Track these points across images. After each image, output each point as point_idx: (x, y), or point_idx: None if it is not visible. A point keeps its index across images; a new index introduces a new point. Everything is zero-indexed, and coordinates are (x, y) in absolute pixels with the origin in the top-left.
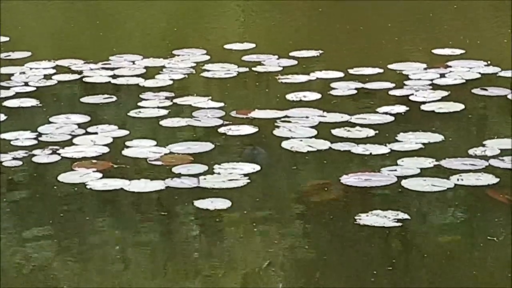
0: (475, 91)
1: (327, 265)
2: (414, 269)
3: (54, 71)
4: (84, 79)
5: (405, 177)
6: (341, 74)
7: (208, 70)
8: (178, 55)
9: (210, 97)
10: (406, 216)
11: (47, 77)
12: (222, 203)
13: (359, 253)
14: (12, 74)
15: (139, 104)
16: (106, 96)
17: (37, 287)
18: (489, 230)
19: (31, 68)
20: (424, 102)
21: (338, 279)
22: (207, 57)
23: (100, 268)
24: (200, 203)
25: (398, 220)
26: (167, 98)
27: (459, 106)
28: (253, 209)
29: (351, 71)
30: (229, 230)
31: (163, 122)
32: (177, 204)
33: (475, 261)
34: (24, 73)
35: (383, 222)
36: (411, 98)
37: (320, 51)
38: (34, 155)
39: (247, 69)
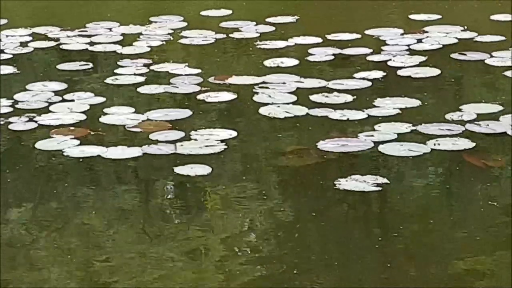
0: (453, 56)
1: (309, 230)
2: (396, 231)
3: (30, 38)
4: (61, 46)
5: (382, 142)
6: (319, 40)
7: (185, 37)
8: (155, 22)
9: (187, 64)
10: (385, 181)
11: (23, 44)
12: (202, 169)
13: (341, 217)
14: None
15: (116, 71)
16: (83, 63)
17: (15, 253)
18: (467, 193)
19: (7, 36)
20: (401, 67)
21: (324, 245)
22: (184, 24)
23: (79, 233)
24: (180, 169)
25: (378, 185)
26: (144, 65)
27: (436, 71)
28: (231, 176)
29: (329, 36)
30: (207, 196)
31: (141, 89)
32: (155, 170)
33: (455, 223)
34: (0, 40)
35: (362, 186)
36: (388, 63)
37: (296, 17)
38: (10, 122)
39: (224, 36)
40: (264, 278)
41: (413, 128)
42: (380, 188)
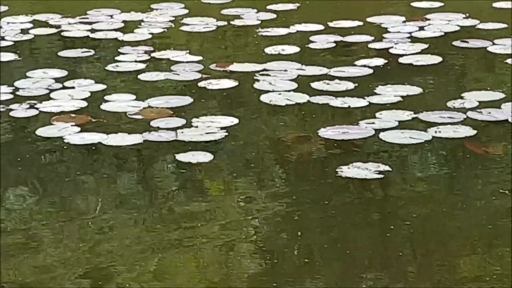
0: (455, 43)
1: (311, 218)
2: (399, 218)
3: (31, 25)
4: (62, 33)
5: (383, 129)
6: (321, 27)
7: (187, 24)
8: (157, 9)
9: (188, 51)
10: (387, 168)
11: (24, 31)
12: (204, 156)
13: (344, 204)
14: None
15: (117, 58)
16: (84, 50)
17: (19, 239)
18: (468, 180)
19: (8, 23)
20: (403, 55)
21: (327, 232)
22: (186, 11)
23: (80, 220)
24: (181, 157)
25: (380, 172)
26: (145, 52)
27: (438, 59)
28: (232, 163)
29: (330, 24)
30: (209, 183)
31: (142, 76)
32: (156, 157)
33: (457, 210)
34: (0, 27)
35: (365, 174)
36: (390, 51)
37: (297, 4)
38: (11, 109)
39: (225, 23)
40: (265, 266)
41: (415, 115)
42: (382, 176)
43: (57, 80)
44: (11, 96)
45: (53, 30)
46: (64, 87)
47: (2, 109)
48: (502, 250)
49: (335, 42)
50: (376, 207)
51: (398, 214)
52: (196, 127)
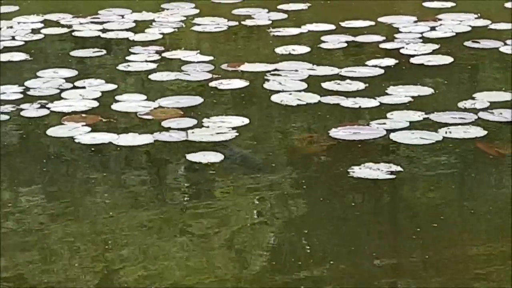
0: (466, 43)
1: (323, 218)
2: (411, 219)
3: (42, 25)
4: (73, 33)
5: (394, 130)
6: (332, 27)
7: (198, 24)
8: (168, 9)
9: (199, 51)
10: (399, 169)
11: (35, 31)
12: (214, 157)
13: (356, 204)
14: None
15: (128, 58)
16: (95, 50)
17: (30, 239)
18: (480, 181)
19: (18, 23)
20: (414, 55)
21: (338, 232)
22: (197, 11)
23: (89, 220)
24: (192, 157)
25: (392, 173)
26: (156, 52)
27: (449, 59)
28: (243, 163)
29: (342, 24)
30: (221, 182)
31: (152, 76)
32: (167, 157)
33: (469, 211)
34: (11, 27)
35: (376, 174)
36: (401, 51)
37: (308, 4)
38: (22, 109)
39: (237, 23)
40: (276, 266)
41: (426, 116)
42: (394, 176)
43: (67, 80)
44: (21, 96)
45: (64, 30)
46: (74, 87)
47: (12, 109)
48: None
49: (346, 42)
50: (388, 207)
51: (410, 215)
52: (207, 127)
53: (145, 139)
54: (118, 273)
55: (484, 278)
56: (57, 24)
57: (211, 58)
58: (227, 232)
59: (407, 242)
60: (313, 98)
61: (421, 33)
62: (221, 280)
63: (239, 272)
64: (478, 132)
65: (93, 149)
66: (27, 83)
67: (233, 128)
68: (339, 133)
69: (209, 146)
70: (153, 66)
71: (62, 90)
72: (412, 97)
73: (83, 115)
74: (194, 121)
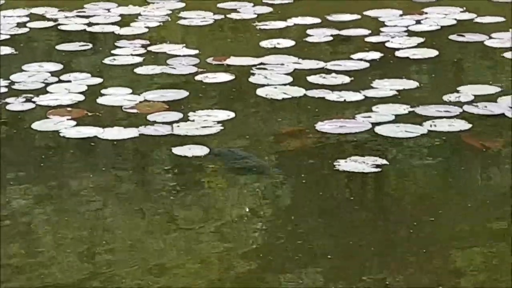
0: (452, 37)
1: (309, 211)
2: (398, 211)
3: (27, 19)
4: (59, 27)
5: (379, 123)
6: (318, 21)
7: (184, 18)
8: (153, 3)
9: (184, 45)
10: (384, 162)
11: (21, 25)
12: (200, 150)
13: (342, 197)
14: None
15: (114, 52)
16: (81, 44)
17: (11, 235)
18: (465, 174)
19: (4, 16)
20: (399, 49)
21: (325, 226)
22: (182, 5)
23: (75, 213)
24: (177, 150)
25: (377, 166)
26: (142, 46)
27: (434, 53)
28: (229, 157)
29: (328, 17)
30: (206, 177)
31: (138, 70)
32: (153, 151)
33: (455, 204)
34: None
35: (362, 167)
36: (386, 44)
37: None
38: (7, 103)
39: (222, 17)
40: (263, 261)
41: (411, 109)
42: (379, 169)
43: (53, 73)
44: (7, 89)
45: (50, 24)
46: (60, 81)
47: None
48: (500, 241)
49: (332, 35)
50: (374, 200)
51: (396, 208)
52: (193, 121)
53: (131, 133)
54: (105, 265)
55: (467, 268)
56: (42, 17)
57: (196, 51)
58: (213, 225)
59: (393, 235)
60: (298, 91)
61: (407, 26)
62: (204, 261)
63: (226, 264)
64: (463, 125)
65: (78, 143)
66: (13, 77)
67: (219, 122)
68: (325, 126)
69: (195, 139)
70: (139, 59)
71: (48, 84)
72: (397, 90)
73: (69, 109)
74: (180, 115)
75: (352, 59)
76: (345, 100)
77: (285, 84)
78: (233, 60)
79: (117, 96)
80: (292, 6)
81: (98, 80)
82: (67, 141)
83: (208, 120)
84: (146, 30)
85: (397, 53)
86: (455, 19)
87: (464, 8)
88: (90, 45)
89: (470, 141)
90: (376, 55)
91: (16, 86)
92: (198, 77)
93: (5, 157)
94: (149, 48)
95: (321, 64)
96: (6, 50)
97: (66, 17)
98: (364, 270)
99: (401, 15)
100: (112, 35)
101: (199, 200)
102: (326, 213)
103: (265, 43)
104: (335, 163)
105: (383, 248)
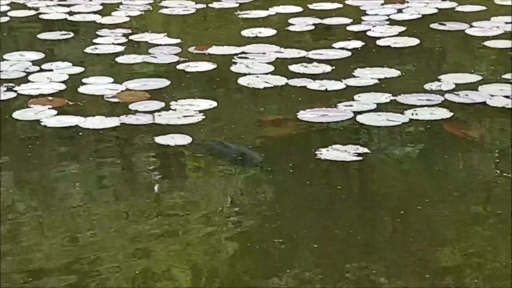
0: (433, 26)
1: (291, 199)
2: (379, 200)
3: (8, 8)
4: (40, 16)
5: (361, 112)
6: (300, 9)
7: (165, 7)
8: None
9: (166, 34)
10: (366, 150)
11: (1, 14)
12: (183, 139)
13: (323, 186)
14: None
15: (95, 41)
16: (62, 32)
17: None
18: (447, 162)
19: None
20: (381, 37)
21: (307, 214)
22: None
23: (57, 202)
24: (160, 139)
25: (359, 154)
26: (123, 35)
27: (415, 41)
28: (211, 146)
29: (310, 6)
30: (188, 166)
31: (119, 59)
32: (134, 140)
33: (436, 192)
34: None
35: (344, 156)
36: (368, 33)
37: None
38: None
39: (204, 6)
40: (246, 249)
41: (392, 98)
42: (361, 158)
43: (34, 62)
44: None
45: (31, 13)
46: (41, 70)
47: None
48: (480, 227)
49: (314, 24)
50: (356, 189)
51: (377, 196)
52: (174, 110)
53: (112, 122)
54: (88, 255)
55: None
56: (23, 6)
57: (178, 41)
58: (195, 214)
59: (374, 222)
60: (280, 80)
61: (388, 15)
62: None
63: (211, 255)
64: (444, 113)
65: (59, 132)
66: None
67: (201, 111)
68: (307, 115)
69: (178, 128)
70: (120, 49)
71: (29, 73)
72: (379, 79)
73: (50, 98)
74: (162, 104)
75: (333, 48)
76: (326, 89)
77: (266, 73)
78: (215, 49)
79: (98, 85)
80: None
81: (80, 69)
82: (48, 130)
83: (190, 109)
84: (128, 19)
85: (379, 42)
86: (437, 7)
87: None
88: (72, 34)
89: (452, 130)
90: (357, 44)
91: None
92: (180, 66)
93: None
94: (131, 37)
95: (302, 53)
96: None
97: (48, 6)
98: (347, 258)
99: (382, 4)
100: (93, 24)
101: (182, 188)
102: (308, 202)
103: (246, 32)
104: (316, 152)
105: (367, 235)
